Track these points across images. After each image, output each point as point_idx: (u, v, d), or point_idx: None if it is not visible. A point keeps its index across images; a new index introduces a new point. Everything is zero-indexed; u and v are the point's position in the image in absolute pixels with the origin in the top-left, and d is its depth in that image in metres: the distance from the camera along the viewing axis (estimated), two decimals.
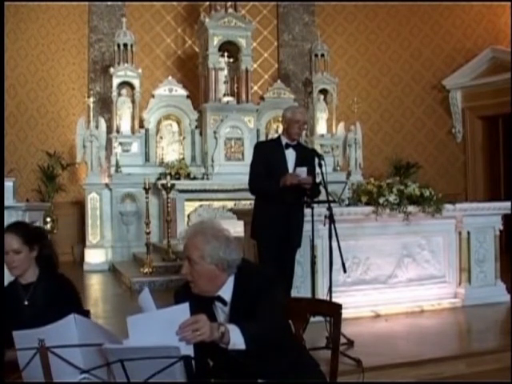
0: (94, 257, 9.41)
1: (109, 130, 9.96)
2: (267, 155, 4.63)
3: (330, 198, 4.20)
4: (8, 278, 2.75)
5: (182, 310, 1.86)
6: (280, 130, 10.89)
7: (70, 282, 2.73)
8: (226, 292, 2.17)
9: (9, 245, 2.56)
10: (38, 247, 2.62)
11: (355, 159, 10.89)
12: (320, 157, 4.31)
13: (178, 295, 2.28)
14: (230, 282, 2.18)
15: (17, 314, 2.51)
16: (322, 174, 4.13)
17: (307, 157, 4.55)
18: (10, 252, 2.56)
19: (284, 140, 4.64)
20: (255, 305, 2.09)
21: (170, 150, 10.24)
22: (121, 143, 9.75)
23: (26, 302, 2.57)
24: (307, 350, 2.49)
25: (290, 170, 4.55)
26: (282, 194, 4.41)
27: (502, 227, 5.93)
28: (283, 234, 4.48)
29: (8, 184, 5.22)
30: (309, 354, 2.42)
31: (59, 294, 2.57)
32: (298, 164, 4.54)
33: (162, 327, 1.82)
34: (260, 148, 4.87)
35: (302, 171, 4.39)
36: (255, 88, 11.60)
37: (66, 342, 1.89)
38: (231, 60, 10.41)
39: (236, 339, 1.92)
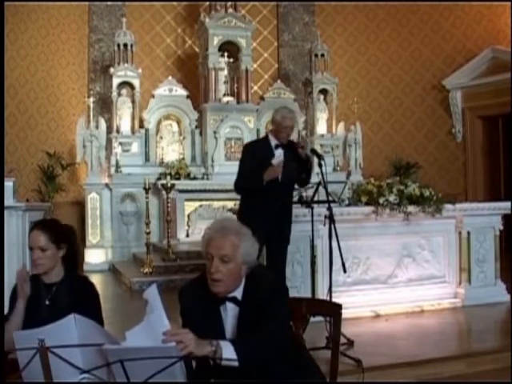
0: (94, 257, 9.41)
1: (109, 130, 9.96)
2: (258, 156, 4.62)
3: (330, 198, 4.20)
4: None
5: (158, 318, 1.86)
6: None
7: (93, 286, 2.70)
8: (239, 292, 2.16)
9: (35, 241, 2.50)
10: (65, 247, 2.57)
11: (355, 159, 10.88)
12: (320, 157, 4.31)
13: (182, 295, 2.26)
14: (242, 283, 2.17)
15: (36, 313, 2.47)
16: (322, 173, 4.13)
17: (297, 154, 4.55)
18: (36, 249, 2.50)
19: (273, 141, 4.63)
20: (261, 314, 2.08)
21: (170, 150, 10.24)
22: (121, 143, 9.74)
23: (48, 302, 2.53)
24: (307, 351, 2.49)
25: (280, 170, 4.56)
26: (270, 193, 4.41)
27: (502, 227, 5.94)
28: (272, 234, 4.46)
29: (8, 184, 5.22)
30: (309, 355, 2.42)
31: (81, 297, 2.54)
32: (287, 164, 4.53)
33: (146, 340, 1.82)
34: (250, 149, 4.84)
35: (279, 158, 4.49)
36: (255, 88, 11.60)
37: (65, 342, 1.89)
38: (231, 60, 10.41)
39: (229, 356, 1.92)
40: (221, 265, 2.08)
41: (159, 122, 10.29)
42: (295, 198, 5.26)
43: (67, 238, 2.60)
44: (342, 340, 3.93)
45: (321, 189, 4.42)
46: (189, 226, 9.69)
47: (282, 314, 2.15)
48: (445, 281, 5.77)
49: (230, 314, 2.16)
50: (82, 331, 1.93)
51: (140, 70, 10.01)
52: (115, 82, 9.84)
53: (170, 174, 9.31)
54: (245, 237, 2.13)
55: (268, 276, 2.27)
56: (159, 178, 9.47)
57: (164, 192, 8.64)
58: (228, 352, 1.92)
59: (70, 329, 1.92)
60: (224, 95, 10.16)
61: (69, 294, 2.54)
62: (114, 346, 1.83)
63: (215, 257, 2.08)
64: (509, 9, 9.94)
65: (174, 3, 11.68)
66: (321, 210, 4.52)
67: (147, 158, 10.10)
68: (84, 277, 2.73)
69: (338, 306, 2.45)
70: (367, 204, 5.35)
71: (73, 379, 1.93)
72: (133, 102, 9.94)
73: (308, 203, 4.67)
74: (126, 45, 9.95)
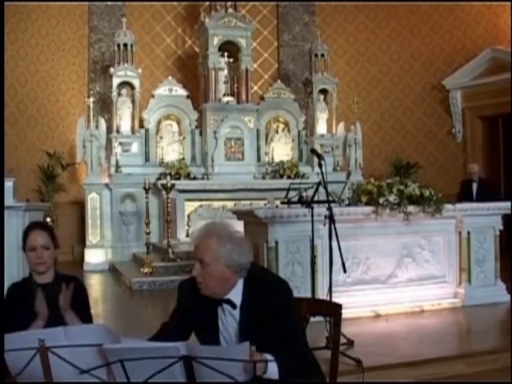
0: (94, 257, 9.41)
1: (109, 130, 9.96)
2: None
3: (330, 198, 4.20)
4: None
5: (243, 348, 1.83)
6: (280, 131, 10.93)
7: (83, 285, 2.78)
8: (236, 295, 2.15)
9: (38, 240, 2.58)
10: (58, 247, 2.67)
11: (355, 159, 10.88)
12: (320, 157, 4.31)
13: (182, 290, 2.26)
14: (240, 285, 2.16)
15: (33, 313, 2.50)
16: (322, 173, 4.13)
17: None
18: (39, 247, 2.57)
19: None
20: (276, 321, 2.08)
21: (170, 150, 10.23)
22: (121, 143, 9.74)
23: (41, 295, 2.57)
24: (311, 350, 2.50)
25: None
26: None
27: (502, 227, 5.94)
28: None
29: (8, 184, 5.22)
30: (312, 354, 2.43)
31: (74, 296, 2.57)
32: None
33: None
34: None
35: None
36: (255, 88, 11.60)
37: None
38: (231, 60, 10.40)
39: (272, 370, 1.93)
40: (201, 268, 2.10)
41: (159, 122, 10.28)
42: (295, 198, 5.25)
43: (56, 238, 2.68)
44: (342, 340, 3.93)
45: (321, 189, 4.41)
46: (189, 225, 9.69)
47: (296, 320, 2.18)
48: (445, 281, 5.77)
49: (228, 315, 2.17)
50: (71, 342, 1.91)
51: (140, 70, 10.01)
52: (115, 81, 9.84)
53: (170, 173, 9.31)
54: (227, 241, 2.10)
55: (267, 276, 2.26)
56: (159, 178, 9.47)
57: (164, 192, 8.64)
58: (271, 366, 1.92)
59: (58, 340, 1.90)
60: (224, 95, 10.16)
61: (62, 293, 2.57)
62: (114, 346, 1.83)
63: (196, 260, 2.11)
64: (509, 9, 9.94)
65: (174, 3, 11.69)
66: (321, 210, 4.52)
67: (147, 158, 10.09)
68: (74, 276, 2.77)
69: (338, 306, 2.44)
70: (367, 204, 5.35)
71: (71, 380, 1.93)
72: (133, 102, 9.94)
73: (308, 203, 4.66)
74: (126, 45, 9.94)
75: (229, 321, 2.17)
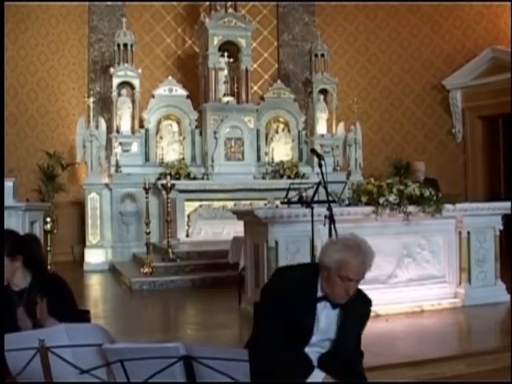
0: (94, 257, 9.41)
1: (109, 130, 9.96)
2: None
3: (330, 198, 4.20)
4: None
5: (241, 354, 1.81)
6: (280, 131, 10.91)
7: (63, 282, 2.70)
8: None
9: None
10: (21, 257, 2.58)
11: (355, 159, 10.89)
12: (320, 157, 4.31)
13: (291, 283, 2.40)
14: None
15: (13, 321, 2.47)
16: (322, 173, 4.13)
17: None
18: None
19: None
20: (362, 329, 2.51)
21: (170, 150, 10.23)
22: (121, 143, 9.74)
23: (22, 309, 2.53)
24: None
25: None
26: None
27: (502, 227, 5.93)
28: None
29: (8, 184, 5.23)
30: None
31: (52, 296, 2.52)
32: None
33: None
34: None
35: None
36: (255, 88, 11.60)
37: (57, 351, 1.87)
38: (231, 60, 10.40)
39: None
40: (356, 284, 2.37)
41: (159, 122, 10.28)
42: (295, 198, 5.25)
43: (22, 248, 2.61)
44: None
45: (321, 189, 4.41)
46: (189, 225, 9.69)
47: None
48: (445, 281, 5.77)
49: (324, 312, 2.39)
50: (74, 341, 1.91)
51: (140, 70, 10.01)
52: (115, 81, 9.84)
53: (170, 173, 9.30)
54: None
55: (364, 294, 2.54)
56: (159, 178, 9.47)
57: (164, 192, 8.64)
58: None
59: (60, 339, 1.90)
60: (224, 95, 10.16)
61: (41, 294, 2.52)
62: (114, 346, 1.83)
63: (354, 280, 2.36)
64: (509, 9, 9.93)
65: (174, 3, 11.69)
66: (321, 210, 4.51)
67: (147, 158, 10.10)
68: (53, 274, 2.73)
69: None
70: (367, 204, 5.35)
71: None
72: (133, 102, 9.94)
73: (308, 203, 4.66)
74: (125, 45, 9.94)
75: (322, 315, 2.38)
